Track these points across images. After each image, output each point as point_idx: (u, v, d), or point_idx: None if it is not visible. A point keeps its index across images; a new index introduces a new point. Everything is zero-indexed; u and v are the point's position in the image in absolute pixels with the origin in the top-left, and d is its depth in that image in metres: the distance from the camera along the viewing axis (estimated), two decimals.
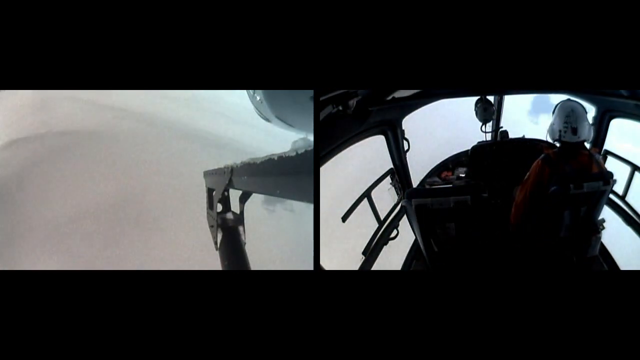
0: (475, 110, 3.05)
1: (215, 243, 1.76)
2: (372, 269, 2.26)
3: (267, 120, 4.61)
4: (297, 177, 0.89)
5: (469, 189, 1.95)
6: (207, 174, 2.09)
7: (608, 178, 1.86)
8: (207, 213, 1.99)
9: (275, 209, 4.37)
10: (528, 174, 2.01)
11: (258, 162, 1.18)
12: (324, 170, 1.83)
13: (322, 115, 1.73)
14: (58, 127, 3.76)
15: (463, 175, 3.01)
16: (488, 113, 3.01)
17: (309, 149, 0.83)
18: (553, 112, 2.03)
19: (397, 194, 2.65)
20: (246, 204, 1.72)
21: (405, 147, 2.66)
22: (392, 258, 2.46)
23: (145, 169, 3.71)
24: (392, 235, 2.49)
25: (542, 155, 1.98)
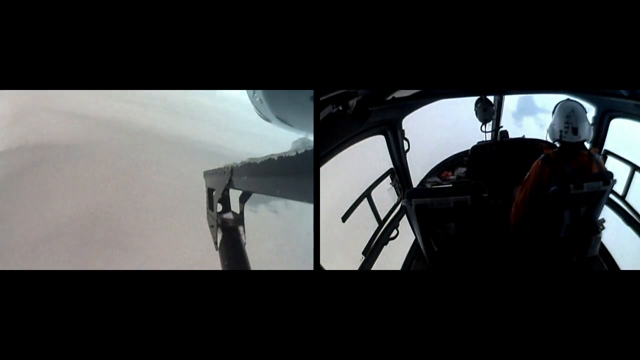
0: (475, 110, 3.05)
1: (215, 243, 1.76)
2: (372, 269, 2.26)
3: (267, 120, 4.61)
4: (297, 177, 0.89)
5: (469, 189, 1.95)
6: (207, 174, 2.09)
7: (608, 178, 1.86)
8: (207, 213, 1.99)
9: (275, 209, 4.37)
10: (528, 174, 2.01)
11: (258, 162, 1.18)
12: (324, 170, 1.83)
13: (322, 115, 1.73)
14: (33, 140, 3.70)
15: (463, 175, 3.01)
16: (488, 113, 3.01)
17: (309, 149, 0.83)
18: (553, 112, 2.03)
19: (397, 194, 2.65)
20: (246, 204, 1.72)
21: (405, 147, 2.66)
22: (392, 258, 2.46)
23: (129, 177, 3.67)
24: (392, 235, 2.49)
25: (542, 155, 1.98)
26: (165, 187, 3.86)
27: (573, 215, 1.91)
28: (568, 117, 1.92)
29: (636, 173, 2.37)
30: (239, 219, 1.76)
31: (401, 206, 2.54)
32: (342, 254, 2.21)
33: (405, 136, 2.64)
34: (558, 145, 2.01)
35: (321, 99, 1.70)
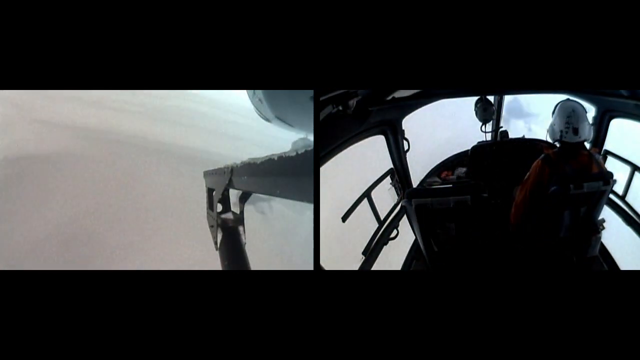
0: (475, 110, 3.05)
1: (215, 243, 1.77)
2: (372, 269, 2.26)
3: (267, 120, 4.62)
4: (297, 177, 0.89)
5: (469, 189, 1.95)
6: (207, 174, 2.09)
7: (608, 178, 1.86)
8: (207, 213, 1.99)
9: (275, 209, 4.37)
10: (528, 174, 2.01)
11: (258, 162, 1.18)
12: (324, 170, 1.83)
13: (322, 115, 1.73)
14: (12, 153, 3.63)
15: (463, 175, 3.01)
16: (488, 113, 3.02)
17: (309, 149, 0.83)
18: (553, 112, 2.03)
19: (397, 194, 2.65)
20: (246, 204, 1.72)
21: (405, 147, 2.66)
22: (392, 258, 2.46)
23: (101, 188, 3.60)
24: (392, 235, 2.50)
25: (542, 155, 1.98)
26: (166, 187, 3.86)
27: (573, 215, 1.91)
28: (568, 117, 1.92)
29: (636, 173, 2.37)
30: (239, 219, 1.76)
31: (401, 206, 2.54)
32: (342, 254, 2.21)
33: (405, 136, 2.64)
34: (558, 145, 2.01)
35: (321, 99, 1.70)
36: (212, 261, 1.76)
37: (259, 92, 4.01)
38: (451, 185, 2.59)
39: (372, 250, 2.32)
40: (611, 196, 2.35)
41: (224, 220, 1.75)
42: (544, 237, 1.99)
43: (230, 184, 1.56)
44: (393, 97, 2.25)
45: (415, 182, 2.85)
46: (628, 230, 2.34)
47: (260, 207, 4.24)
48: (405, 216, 2.40)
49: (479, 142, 3.05)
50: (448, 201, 1.92)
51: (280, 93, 3.80)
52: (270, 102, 3.98)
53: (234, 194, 1.72)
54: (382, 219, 2.47)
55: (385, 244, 2.42)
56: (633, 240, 2.31)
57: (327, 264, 1.67)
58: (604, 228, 2.02)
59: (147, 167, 4.01)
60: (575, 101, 2.01)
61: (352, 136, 2.11)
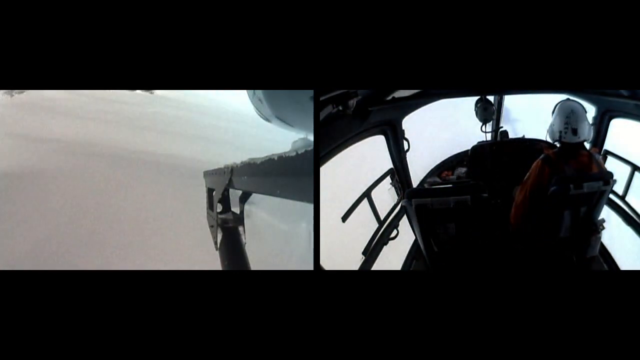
0: (475, 110, 3.06)
1: (215, 243, 1.77)
2: (372, 269, 2.26)
3: (267, 120, 4.62)
4: (297, 177, 0.89)
5: (469, 189, 1.95)
6: (207, 174, 2.10)
7: (608, 178, 1.86)
8: (207, 213, 1.99)
9: (275, 209, 4.37)
10: (528, 174, 2.01)
11: (258, 162, 1.18)
12: (324, 170, 1.83)
13: (322, 115, 1.73)
14: None
15: (463, 175, 3.01)
16: (488, 113, 3.02)
17: (309, 149, 0.83)
18: (553, 112, 2.03)
19: (397, 194, 2.65)
20: (246, 204, 1.72)
21: (405, 147, 2.66)
22: (392, 258, 2.46)
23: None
24: (392, 235, 2.49)
25: (542, 156, 1.98)
26: (166, 187, 3.86)
27: (573, 215, 1.91)
28: (568, 117, 1.92)
29: (636, 173, 2.37)
30: (239, 219, 1.76)
31: (401, 206, 2.54)
32: (342, 254, 2.21)
33: (405, 136, 2.64)
34: (558, 145, 2.01)
35: (321, 99, 1.70)
36: (212, 261, 1.76)
37: (259, 92, 4.01)
38: (451, 185, 2.59)
39: (372, 250, 2.32)
40: (611, 196, 2.35)
41: (224, 220, 1.75)
42: (544, 237, 1.99)
43: (230, 184, 1.56)
44: (393, 97, 2.25)
45: (415, 182, 2.85)
46: (628, 230, 2.34)
47: (260, 207, 4.24)
48: (405, 216, 2.40)
49: (479, 142, 3.05)
50: (448, 201, 1.92)
51: (280, 93, 3.80)
52: (270, 102, 3.98)
53: (234, 194, 1.72)
54: (382, 219, 2.46)
55: (385, 244, 2.42)
56: (633, 240, 2.31)
57: (327, 264, 1.67)
58: (604, 228, 2.02)
59: (148, 167, 4.00)
60: (575, 101, 2.01)
61: (352, 136, 2.11)
